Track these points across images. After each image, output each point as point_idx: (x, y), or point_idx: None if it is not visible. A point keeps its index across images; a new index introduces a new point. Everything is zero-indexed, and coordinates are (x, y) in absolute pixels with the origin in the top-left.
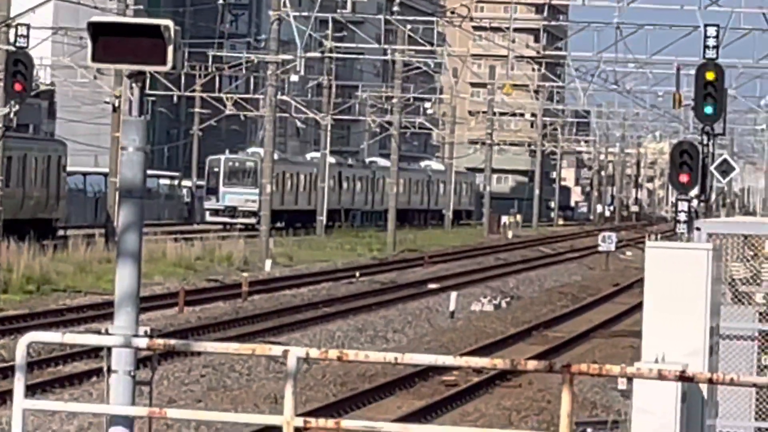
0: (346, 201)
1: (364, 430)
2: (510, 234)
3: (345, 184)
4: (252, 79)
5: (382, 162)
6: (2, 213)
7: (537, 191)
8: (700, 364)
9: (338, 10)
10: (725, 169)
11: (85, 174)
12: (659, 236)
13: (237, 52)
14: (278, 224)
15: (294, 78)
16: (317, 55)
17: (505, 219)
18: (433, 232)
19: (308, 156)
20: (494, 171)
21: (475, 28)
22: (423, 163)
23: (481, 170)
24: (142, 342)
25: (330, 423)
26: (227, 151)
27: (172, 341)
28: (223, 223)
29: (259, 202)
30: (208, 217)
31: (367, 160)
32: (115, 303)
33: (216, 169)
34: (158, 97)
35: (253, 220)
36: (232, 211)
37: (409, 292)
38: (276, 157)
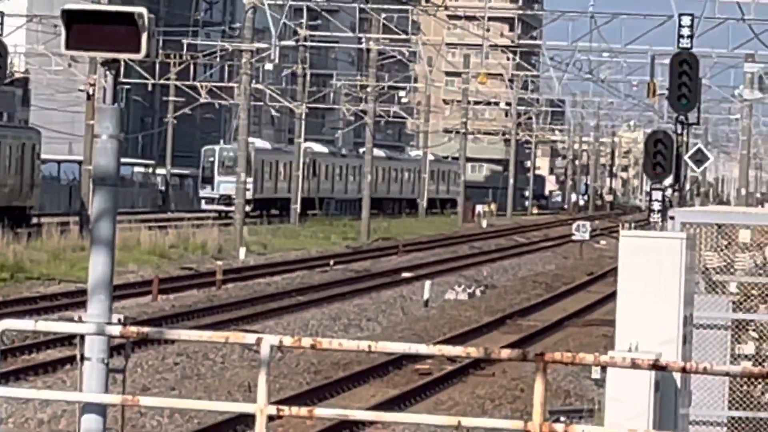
0: (340, 190)
1: (338, 418)
2: (484, 223)
3: (337, 174)
4: (226, 68)
5: (376, 152)
6: None
7: (511, 180)
8: (674, 353)
9: None
10: (699, 158)
11: (59, 162)
12: (633, 225)
13: (211, 40)
14: (272, 211)
15: (268, 66)
16: (292, 43)
17: (479, 208)
18: (408, 221)
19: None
20: (469, 160)
21: (450, 16)
22: (413, 153)
23: (456, 159)
24: (116, 330)
25: (303, 411)
26: (222, 141)
27: (146, 329)
28: (219, 211)
29: (253, 190)
30: (204, 206)
31: (361, 150)
32: (89, 291)
33: (211, 159)
34: (132, 85)
35: (247, 208)
36: (227, 200)
37: (383, 280)
38: (269, 146)
